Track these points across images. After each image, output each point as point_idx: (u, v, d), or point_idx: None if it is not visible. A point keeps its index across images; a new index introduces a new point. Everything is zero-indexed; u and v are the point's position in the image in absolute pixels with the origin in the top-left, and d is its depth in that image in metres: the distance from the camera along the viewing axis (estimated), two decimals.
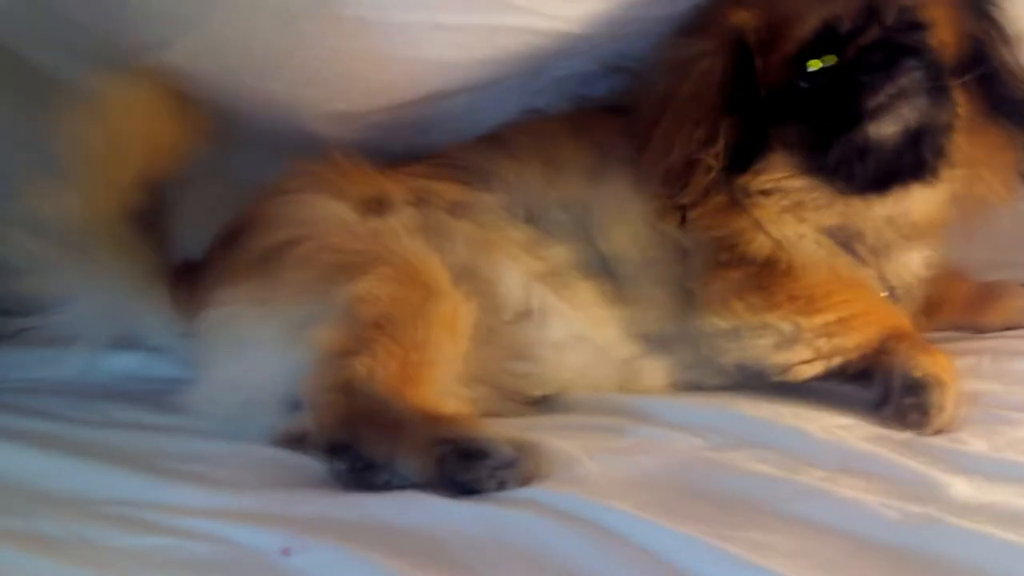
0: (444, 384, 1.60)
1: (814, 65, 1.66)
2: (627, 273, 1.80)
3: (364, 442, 1.42)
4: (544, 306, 1.77)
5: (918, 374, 1.58)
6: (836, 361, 1.69)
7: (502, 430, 1.46)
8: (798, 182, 1.71)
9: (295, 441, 1.55)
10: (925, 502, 1.29)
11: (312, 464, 1.46)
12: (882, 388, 1.62)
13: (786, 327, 1.70)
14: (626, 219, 1.79)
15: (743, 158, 1.70)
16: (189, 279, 1.77)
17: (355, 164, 1.82)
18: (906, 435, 1.54)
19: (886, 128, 1.62)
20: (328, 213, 1.74)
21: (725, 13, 1.70)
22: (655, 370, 1.80)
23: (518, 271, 1.77)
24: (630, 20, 1.80)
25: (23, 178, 1.68)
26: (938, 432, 1.54)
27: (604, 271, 1.80)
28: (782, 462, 1.44)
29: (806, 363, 1.71)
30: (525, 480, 1.39)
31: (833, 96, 1.64)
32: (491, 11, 1.74)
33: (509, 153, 1.85)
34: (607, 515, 1.29)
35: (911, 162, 1.66)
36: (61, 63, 1.92)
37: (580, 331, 1.78)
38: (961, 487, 1.34)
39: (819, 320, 1.70)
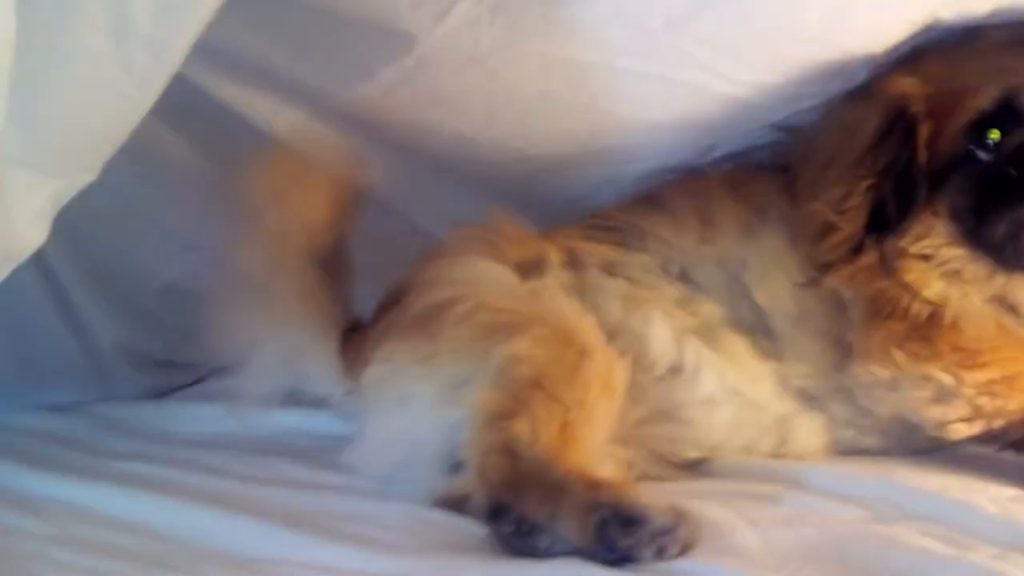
0: (600, 444, 1.60)
1: (994, 135, 1.63)
2: (781, 327, 1.77)
3: (526, 505, 1.44)
4: (696, 360, 1.76)
5: None
6: (997, 423, 1.64)
7: (659, 497, 1.45)
8: (957, 251, 1.68)
9: (455, 503, 1.58)
10: None
11: (474, 529, 1.48)
12: None
13: (946, 379, 1.65)
14: (781, 273, 1.78)
15: (888, 222, 1.68)
16: (357, 337, 1.81)
17: (515, 226, 1.85)
18: None
19: None
20: (487, 274, 1.77)
21: (891, 80, 1.70)
22: (810, 428, 1.76)
23: (670, 326, 1.77)
24: (807, 94, 1.81)
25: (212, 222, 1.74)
26: None
27: (758, 326, 1.78)
28: (950, 537, 1.38)
29: (965, 421, 1.65)
30: (684, 548, 1.38)
31: (1007, 170, 1.61)
32: (672, 63, 1.76)
33: (665, 211, 1.86)
34: None
35: None
36: (254, 103, 1.99)
37: (733, 386, 1.76)
38: None
39: (982, 376, 1.64)
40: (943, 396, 1.66)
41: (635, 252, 1.83)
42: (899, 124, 1.66)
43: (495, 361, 1.61)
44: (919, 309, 1.69)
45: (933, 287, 1.69)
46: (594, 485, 1.46)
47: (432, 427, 1.65)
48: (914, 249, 1.69)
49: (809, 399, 1.77)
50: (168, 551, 1.51)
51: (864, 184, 1.68)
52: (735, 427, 1.76)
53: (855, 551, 1.38)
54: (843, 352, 1.74)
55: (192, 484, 1.74)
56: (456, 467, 1.59)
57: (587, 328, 1.68)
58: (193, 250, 2.22)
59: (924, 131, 1.66)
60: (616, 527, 1.38)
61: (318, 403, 1.95)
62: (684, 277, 1.81)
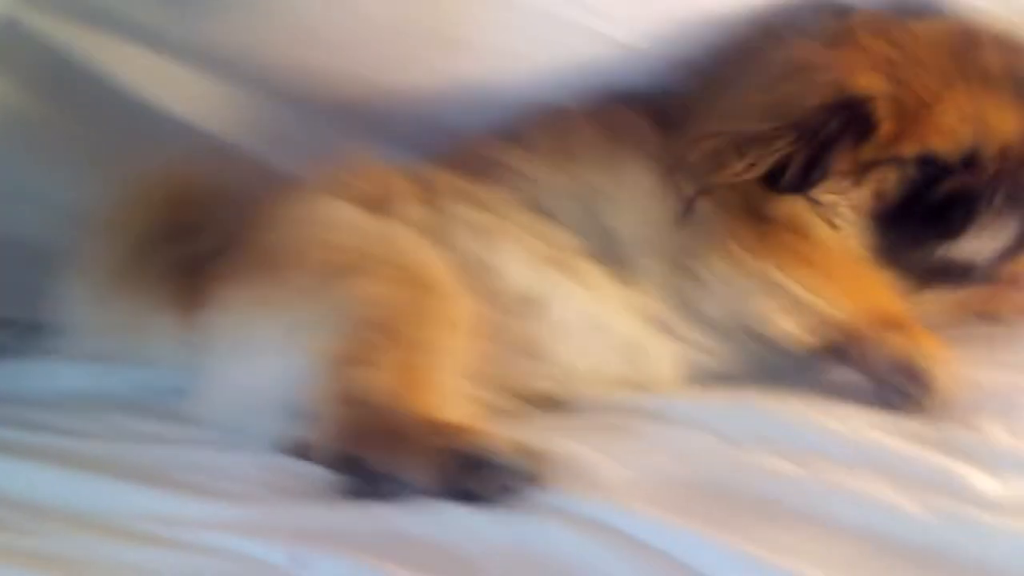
0: (450, 385, 1.57)
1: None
2: (635, 254, 1.77)
3: (372, 453, 1.40)
4: (550, 289, 1.73)
5: (908, 357, 1.57)
6: (826, 332, 1.67)
7: (508, 437, 1.42)
8: (852, 216, 1.75)
9: (303, 451, 1.52)
10: (950, 498, 1.25)
11: (321, 473, 1.43)
12: (874, 370, 1.61)
13: (780, 279, 1.69)
14: (639, 200, 1.77)
15: (787, 182, 1.69)
16: (195, 281, 1.74)
17: (368, 163, 1.80)
18: (924, 426, 1.49)
19: (977, 255, 1.72)
20: (331, 212, 1.71)
21: (850, 70, 1.68)
22: (665, 355, 1.76)
23: (524, 256, 1.74)
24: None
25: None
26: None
27: (612, 254, 1.77)
28: (804, 459, 1.40)
29: (797, 325, 1.69)
30: (532, 487, 1.36)
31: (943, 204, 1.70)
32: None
33: (523, 144, 1.83)
34: (627, 520, 1.26)
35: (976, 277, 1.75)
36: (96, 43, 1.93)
37: (586, 313, 1.74)
38: (987, 481, 1.30)
39: (816, 282, 1.68)
40: (775, 294, 1.69)
41: (491, 185, 1.80)
42: (845, 115, 1.66)
43: (338, 303, 1.56)
44: (773, 213, 1.72)
45: (805, 219, 1.73)
46: (439, 429, 1.43)
47: (274, 373, 1.58)
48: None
49: (663, 326, 1.76)
50: (3, 512, 1.44)
51: (779, 144, 1.66)
52: (590, 356, 1.74)
53: (712, 476, 1.39)
54: (695, 277, 1.75)
55: (27, 442, 1.65)
56: (302, 414, 1.53)
57: (435, 266, 1.64)
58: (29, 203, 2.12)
59: (885, 131, 1.68)
60: (462, 470, 1.36)
61: (160, 357, 1.86)
62: (539, 208, 1.79)
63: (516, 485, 1.35)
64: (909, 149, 1.70)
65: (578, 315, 1.73)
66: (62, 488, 1.49)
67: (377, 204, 1.74)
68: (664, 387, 1.72)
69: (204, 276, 1.72)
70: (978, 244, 1.71)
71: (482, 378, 1.64)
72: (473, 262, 1.70)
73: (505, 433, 1.44)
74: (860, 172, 1.72)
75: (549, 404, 1.71)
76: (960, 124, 1.69)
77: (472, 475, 1.35)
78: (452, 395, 1.56)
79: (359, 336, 1.52)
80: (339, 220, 1.70)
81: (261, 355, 1.60)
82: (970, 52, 1.73)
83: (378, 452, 1.40)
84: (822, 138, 1.66)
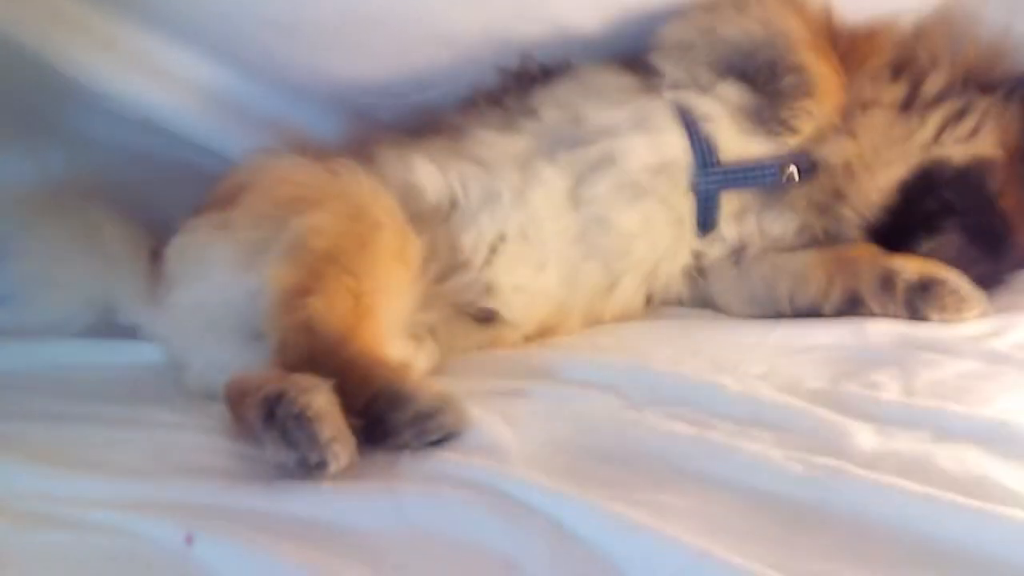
0: (397, 313, 1.65)
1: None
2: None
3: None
4: (472, 192, 1.84)
5: None
6: None
7: (434, 384, 1.47)
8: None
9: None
10: (830, 453, 1.28)
11: (216, 447, 1.43)
12: None
13: None
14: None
15: None
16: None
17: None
18: (820, 383, 1.53)
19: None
20: (288, 160, 1.81)
21: None
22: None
23: (434, 164, 1.84)
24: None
25: None
26: None
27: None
28: (695, 418, 1.43)
29: None
30: (447, 434, 1.40)
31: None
32: None
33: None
34: (514, 486, 1.27)
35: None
36: None
37: (513, 215, 1.83)
38: (867, 436, 1.33)
39: None
40: None
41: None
42: None
43: (291, 233, 1.62)
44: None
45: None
46: (373, 364, 1.48)
47: (232, 292, 1.66)
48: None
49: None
50: None
51: None
52: (520, 260, 1.83)
53: (604, 438, 1.41)
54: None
55: None
56: (259, 337, 1.59)
57: (381, 203, 1.72)
58: None
59: None
60: (384, 405, 1.40)
61: (70, 332, 1.87)
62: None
63: (430, 429, 1.39)
64: None
65: (504, 219, 1.83)
66: None
67: (324, 157, 1.81)
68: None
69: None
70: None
71: (431, 303, 1.75)
72: (401, 185, 1.80)
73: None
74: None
75: (486, 318, 1.82)
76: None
77: (393, 411, 1.40)
78: (403, 324, 1.66)
79: (312, 266, 1.58)
80: (294, 165, 1.78)
81: (220, 273, 1.68)
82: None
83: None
84: None
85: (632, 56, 1.96)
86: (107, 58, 1.96)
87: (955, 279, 1.75)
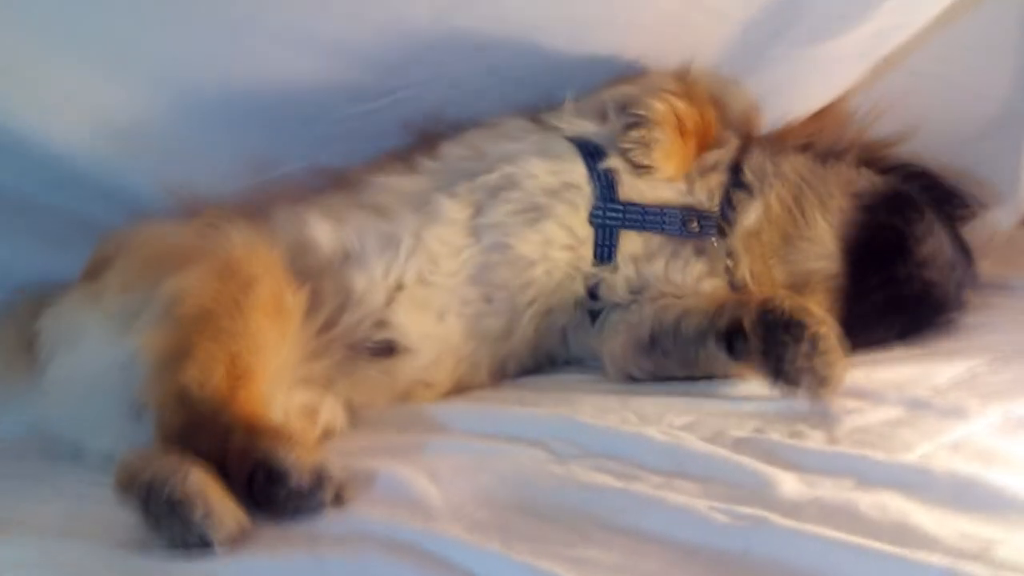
0: (277, 371, 1.58)
1: None
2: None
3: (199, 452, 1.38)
4: (364, 239, 1.81)
5: None
6: None
7: (315, 457, 1.39)
8: None
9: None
10: (754, 503, 1.28)
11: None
12: None
13: None
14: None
15: None
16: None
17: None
18: (745, 432, 1.53)
19: None
20: (163, 225, 1.76)
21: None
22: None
23: (328, 220, 1.81)
24: None
25: None
26: None
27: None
28: (621, 470, 1.42)
29: None
30: (325, 507, 1.36)
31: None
32: None
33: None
34: (439, 544, 1.25)
35: None
36: None
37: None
38: (792, 484, 1.33)
39: None
40: None
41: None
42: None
43: (163, 294, 1.56)
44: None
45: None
46: (253, 433, 1.42)
47: (106, 361, 1.59)
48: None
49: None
50: None
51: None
52: (421, 306, 1.81)
53: (531, 493, 1.40)
54: None
55: None
56: (141, 409, 1.52)
57: (258, 257, 1.64)
58: None
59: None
60: (263, 479, 1.36)
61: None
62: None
63: (306, 507, 1.35)
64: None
65: (396, 257, 1.80)
66: None
67: (206, 215, 1.77)
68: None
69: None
70: None
71: (322, 351, 1.71)
72: (293, 243, 1.76)
73: (320, 451, 1.46)
74: None
75: (383, 351, 1.78)
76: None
77: (271, 487, 1.35)
78: (286, 381, 1.61)
79: (185, 330, 1.51)
80: (165, 225, 1.75)
81: (93, 342, 1.62)
82: None
83: (204, 451, 1.38)
84: None
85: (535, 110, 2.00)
86: None
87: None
